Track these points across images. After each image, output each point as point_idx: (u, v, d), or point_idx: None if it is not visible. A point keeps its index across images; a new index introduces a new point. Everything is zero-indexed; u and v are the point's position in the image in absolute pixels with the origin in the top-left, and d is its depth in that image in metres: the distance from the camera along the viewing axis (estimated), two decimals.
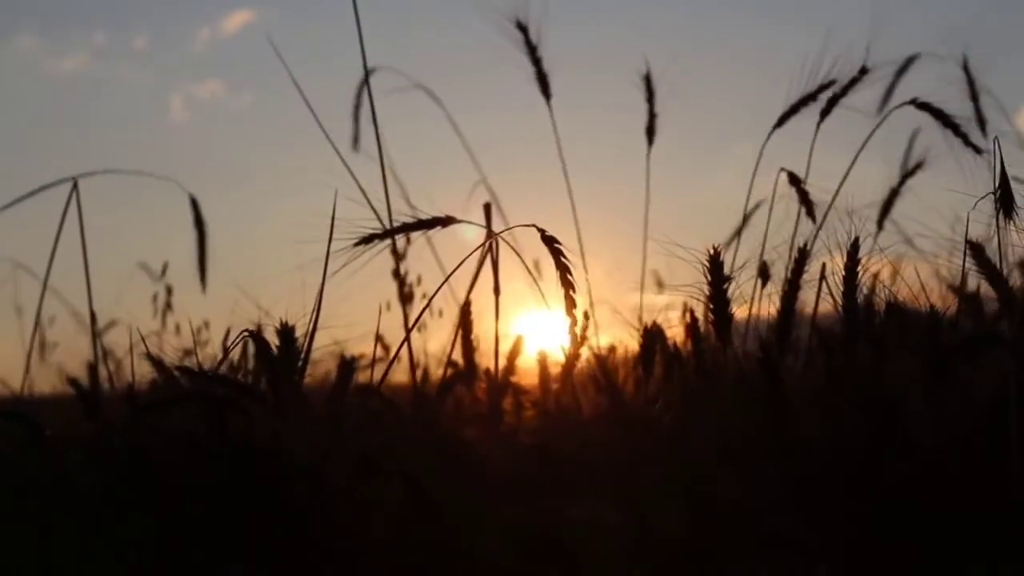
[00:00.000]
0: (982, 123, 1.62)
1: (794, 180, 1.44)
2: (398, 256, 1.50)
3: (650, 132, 1.71)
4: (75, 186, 1.67)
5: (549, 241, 1.08)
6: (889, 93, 1.82)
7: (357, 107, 1.85)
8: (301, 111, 1.48)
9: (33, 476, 1.18)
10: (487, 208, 1.53)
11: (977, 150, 1.36)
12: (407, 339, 1.34)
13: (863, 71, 1.43)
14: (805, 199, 1.44)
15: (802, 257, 1.18)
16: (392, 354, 1.27)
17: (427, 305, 1.28)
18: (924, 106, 1.40)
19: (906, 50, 1.79)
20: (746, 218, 1.68)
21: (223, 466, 1.08)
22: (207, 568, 1.08)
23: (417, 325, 1.68)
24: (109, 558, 1.10)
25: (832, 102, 1.45)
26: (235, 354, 1.50)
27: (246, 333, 1.07)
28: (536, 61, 1.67)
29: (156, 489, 1.09)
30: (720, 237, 1.80)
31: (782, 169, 1.45)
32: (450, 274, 1.17)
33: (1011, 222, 1.03)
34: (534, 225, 1.09)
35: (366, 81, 1.55)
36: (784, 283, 1.17)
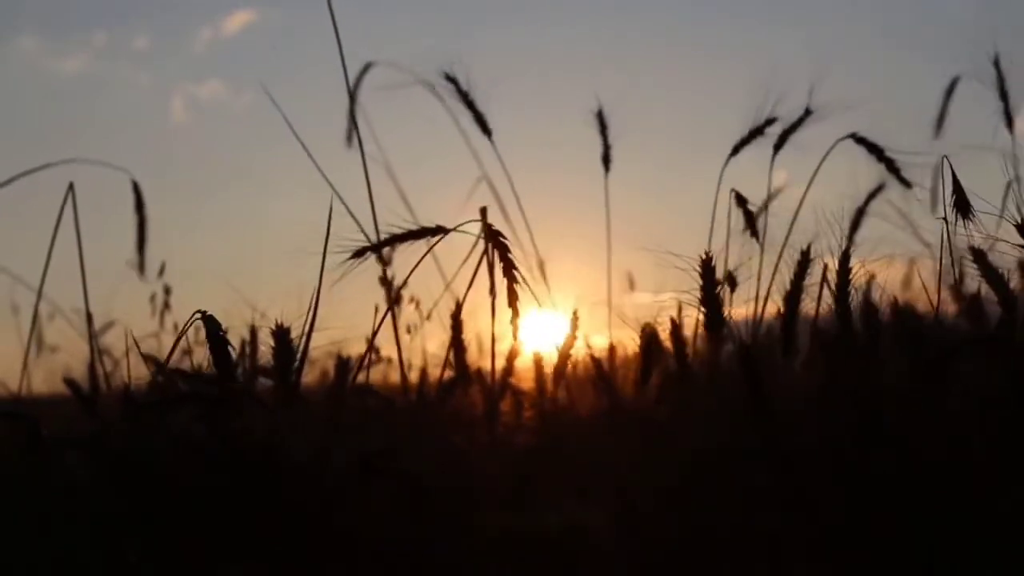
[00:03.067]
0: (1010, 120, 1.64)
1: (740, 201, 1.47)
2: (384, 263, 1.49)
3: (606, 160, 1.73)
4: (71, 187, 1.68)
5: (494, 236, 1.06)
6: (942, 116, 1.86)
7: (352, 103, 1.85)
8: (301, 111, 1.48)
9: (30, 476, 1.18)
10: (483, 212, 1.53)
11: (907, 184, 1.40)
12: (396, 341, 1.34)
13: (807, 112, 1.47)
14: (749, 219, 1.46)
15: (804, 260, 1.18)
16: (380, 356, 1.27)
17: (415, 304, 1.28)
18: (860, 140, 1.42)
19: (909, 52, 1.80)
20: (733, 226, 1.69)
21: (221, 466, 1.08)
22: (206, 568, 1.08)
23: (407, 326, 1.68)
24: (108, 559, 1.10)
25: (783, 137, 1.49)
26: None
27: (198, 315, 1.04)
28: (470, 104, 1.64)
29: (154, 490, 1.08)
30: (708, 245, 1.81)
31: (732, 190, 1.47)
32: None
33: (969, 223, 1.07)
34: (484, 222, 1.07)
35: (358, 78, 1.55)
36: (787, 285, 1.18)
